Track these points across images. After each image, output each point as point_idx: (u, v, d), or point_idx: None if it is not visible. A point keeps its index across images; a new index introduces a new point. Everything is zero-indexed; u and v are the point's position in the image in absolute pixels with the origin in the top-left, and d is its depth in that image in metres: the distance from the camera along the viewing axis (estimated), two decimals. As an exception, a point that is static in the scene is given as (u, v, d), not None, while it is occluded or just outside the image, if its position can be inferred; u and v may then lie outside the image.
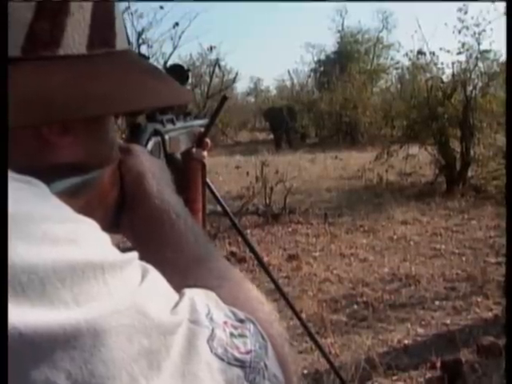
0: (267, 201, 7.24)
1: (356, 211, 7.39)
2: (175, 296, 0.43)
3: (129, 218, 0.60)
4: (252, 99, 34.51)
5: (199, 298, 0.45)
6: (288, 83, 31.51)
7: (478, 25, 9.71)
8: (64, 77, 0.45)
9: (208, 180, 0.96)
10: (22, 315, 0.31)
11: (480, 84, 9.56)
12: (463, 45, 9.65)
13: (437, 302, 4.19)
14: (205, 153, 0.94)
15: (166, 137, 0.81)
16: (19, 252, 0.33)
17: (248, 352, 0.43)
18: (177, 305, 0.42)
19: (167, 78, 0.57)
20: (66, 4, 0.45)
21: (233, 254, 5.40)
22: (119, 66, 0.51)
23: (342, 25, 31.89)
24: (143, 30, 13.14)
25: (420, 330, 3.74)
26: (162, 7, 13.18)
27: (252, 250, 1.24)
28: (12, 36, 0.42)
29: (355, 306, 4.21)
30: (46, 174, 0.43)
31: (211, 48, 15.99)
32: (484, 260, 5.15)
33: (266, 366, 0.44)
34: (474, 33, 9.70)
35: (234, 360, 0.42)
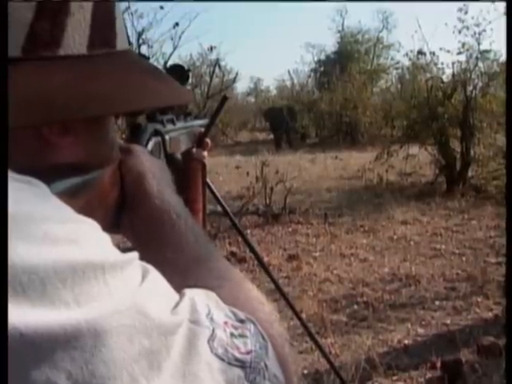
0: (267, 201, 7.24)
1: (356, 211, 7.39)
2: (175, 296, 0.44)
3: (129, 218, 0.60)
4: (252, 99, 34.52)
5: (199, 298, 0.45)
6: (288, 83, 31.54)
7: (478, 25, 9.72)
8: (64, 77, 0.45)
9: (208, 180, 0.96)
10: (23, 315, 0.31)
11: (480, 84, 9.56)
12: (463, 45, 9.66)
13: (437, 302, 4.19)
14: (205, 153, 0.94)
15: (167, 137, 0.81)
16: (20, 252, 0.33)
17: (248, 352, 0.43)
18: (177, 305, 0.42)
19: (167, 78, 0.57)
20: (67, 4, 0.45)
21: (233, 254, 5.40)
22: (120, 66, 0.51)
23: (342, 25, 31.93)
24: (143, 30, 13.15)
25: (420, 330, 3.74)
26: (162, 7, 13.19)
27: (252, 250, 1.24)
28: (12, 36, 0.42)
29: (355, 306, 4.21)
30: (47, 174, 0.43)
31: (211, 48, 16.00)
32: (484, 260, 5.15)
33: (266, 366, 0.44)
34: (474, 33, 9.71)
35: (235, 360, 0.42)
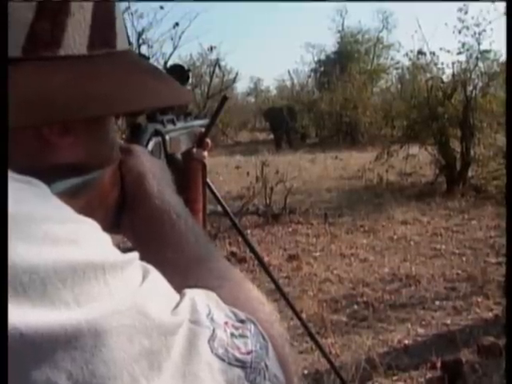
0: (267, 201, 7.24)
1: (356, 211, 7.39)
2: (176, 296, 0.44)
3: (129, 219, 0.60)
4: (252, 99, 34.53)
5: (200, 298, 0.45)
6: (288, 83, 31.54)
7: (478, 25, 9.72)
8: (65, 77, 0.45)
9: (208, 180, 0.96)
10: (23, 315, 0.31)
11: (480, 84, 9.56)
12: (463, 45, 9.67)
13: (437, 302, 4.19)
14: (205, 153, 0.94)
15: (167, 137, 0.81)
16: (20, 252, 0.33)
17: (249, 352, 0.44)
18: (177, 305, 0.42)
19: (168, 78, 0.57)
20: (67, 4, 0.45)
21: (233, 254, 5.40)
22: (120, 66, 0.51)
23: (342, 25, 31.93)
24: (143, 30, 13.14)
25: (420, 330, 3.74)
26: (162, 7, 13.18)
27: (252, 250, 1.24)
28: (13, 36, 0.42)
29: (355, 306, 4.21)
30: (47, 174, 0.43)
31: (211, 48, 15.99)
32: (484, 260, 5.15)
33: (266, 366, 0.44)
34: (474, 33, 9.71)
35: (235, 360, 0.42)
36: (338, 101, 19.17)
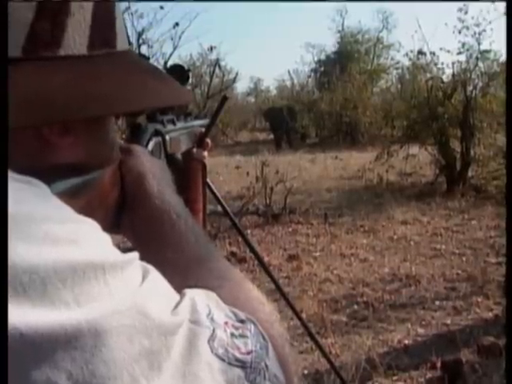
0: (267, 201, 7.24)
1: (356, 211, 7.39)
2: (176, 296, 0.44)
3: (129, 219, 0.60)
4: (252, 99, 34.52)
5: (200, 298, 0.45)
6: (288, 83, 31.55)
7: (478, 25, 9.72)
8: (65, 77, 0.45)
9: (208, 180, 0.96)
10: (23, 315, 0.31)
11: (480, 84, 9.56)
12: (463, 45, 9.67)
13: (437, 302, 4.19)
14: (205, 153, 0.94)
15: (167, 137, 0.81)
16: (20, 252, 0.33)
17: (249, 352, 0.44)
18: (177, 305, 0.42)
19: (168, 78, 0.57)
20: (67, 4, 0.45)
21: (233, 254, 5.40)
22: (120, 66, 0.50)
23: (342, 25, 31.93)
24: (143, 30, 13.15)
25: (420, 330, 3.74)
26: (162, 7, 13.19)
27: (252, 250, 1.24)
28: (13, 36, 0.42)
29: (355, 306, 4.21)
30: (47, 174, 0.43)
31: (211, 48, 16.00)
32: (484, 260, 5.15)
33: (266, 366, 0.44)
34: (475, 33, 9.71)
35: (235, 360, 0.42)
36: (338, 101, 19.17)
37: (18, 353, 0.31)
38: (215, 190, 1.02)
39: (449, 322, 3.84)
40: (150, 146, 0.73)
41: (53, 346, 0.32)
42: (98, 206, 0.56)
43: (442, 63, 9.96)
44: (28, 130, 0.45)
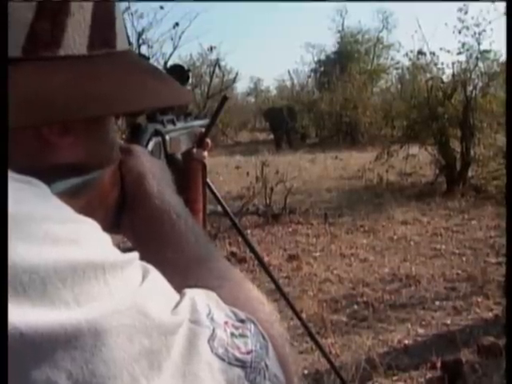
0: (267, 201, 7.24)
1: (356, 211, 7.39)
2: (176, 296, 0.44)
3: (129, 219, 0.60)
4: (252, 99, 34.52)
5: (200, 298, 0.45)
6: (288, 83, 31.56)
7: (478, 25, 9.73)
8: (65, 77, 0.45)
9: (208, 180, 0.96)
10: (23, 315, 0.31)
11: (480, 84, 9.57)
12: (463, 45, 9.67)
13: (437, 302, 4.19)
14: (205, 153, 0.94)
15: (167, 137, 0.81)
16: (20, 252, 0.33)
17: (249, 352, 0.44)
18: (177, 305, 0.42)
19: (167, 78, 0.57)
20: (67, 4, 0.45)
21: (233, 254, 5.40)
22: (120, 66, 0.51)
23: (342, 25, 31.93)
24: (143, 31, 13.15)
25: (420, 330, 3.74)
26: (162, 7, 13.19)
27: (252, 250, 1.24)
28: (13, 36, 0.42)
29: (355, 306, 4.21)
30: (47, 174, 0.43)
31: (211, 48, 16.00)
32: (484, 260, 5.15)
33: (266, 366, 0.44)
34: (474, 33, 9.72)
35: (235, 360, 0.42)
36: (338, 101, 19.18)
37: (17, 352, 0.31)
38: (215, 190, 1.02)
39: (449, 322, 3.84)
40: (150, 146, 0.73)
41: (53, 345, 0.32)
42: (98, 206, 0.56)
43: (442, 63, 9.98)
44: (28, 130, 0.45)
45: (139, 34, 12.91)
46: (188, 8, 29.37)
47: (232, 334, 0.44)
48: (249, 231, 6.42)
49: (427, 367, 3.17)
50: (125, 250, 0.42)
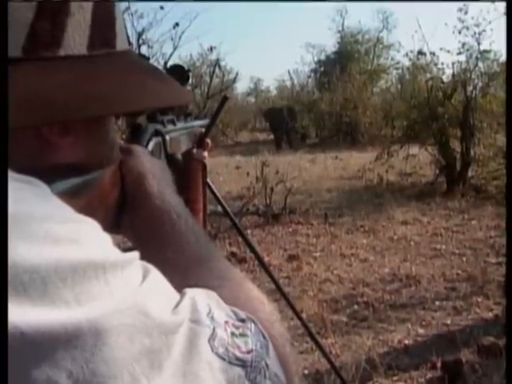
0: (267, 201, 7.24)
1: (356, 211, 7.39)
2: (176, 296, 0.44)
3: (129, 219, 0.60)
4: (252, 99, 34.52)
5: (200, 297, 0.45)
6: (288, 83, 31.56)
7: (478, 25, 9.73)
8: (65, 77, 0.45)
9: (208, 180, 0.96)
10: (24, 315, 0.31)
11: (480, 84, 9.57)
12: (463, 45, 9.67)
13: (437, 303, 4.19)
14: (205, 153, 0.94)
15: (167, 137, 0.81)
16: (21, 252, 0.33)
17: (249, 351, 0.44)
18: (178, 304, 0.42)
19: (168, 78, 0.57)
20: (67, 4, 0.45)
21: (233, 254, 5.40)
22: (120, 66, 0.51)
23: (342, 25, 31.94)
24: (143, 31, 13.16)
25: (420, 331, 3.74)
26: (162, 7, 13.20)
27: (252, 250, 1.24)
28: (13, 36, 0.42)
29: (356, 307, 4.21)
30: (47, 174, 0.43)
31: (211, 48, 16.01)
32: (484, 260, 5.15)
33: (267, 365, 0.44)
34: (474, 33, 9.72)
35: (235, 359, 0.42)
36: (338, 101, 19.18)
37: (18, 352, 0.31)
38: (215, 190, 1.02)
39: (449, 322, 3.84)
40: (150, 146, 0.73)
41: (53, 344, 0.32)
42: (98, 206, 0.56)
43: (442, 63, 9.99)
44: (28, 130, 0.45)
45: (139, 34, 12.92)
46: (188, 8, 29.44)
47: (232, 334, 0.44)
48: (249, 231, 6.42)
49: (427, 367, 3.18)
50: (125, 249, 0.43)
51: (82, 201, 0.52)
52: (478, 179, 8.73)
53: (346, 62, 26.90)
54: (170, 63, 10.99)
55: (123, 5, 10.50)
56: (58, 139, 0.47)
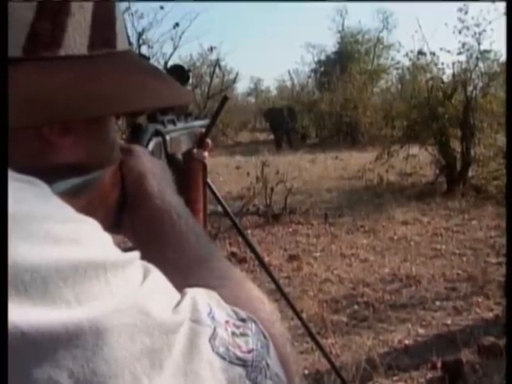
0: (268, 201, 7.24)
1: (356, 211, 7.39)
2: (177, 295, 0.44)
3: (130, 219, 0.60)
4: (252, 99, 34.51)
5: (201, 297, 0.45)
6: (288, 83, 31.56)
7: (478, 25, 9.72)
8: (65, 77, 0.45)
9: (209, 180, 0.96)
10: (25, 314, 0.31)
11: (480, 84, 9.57)
12: (463, 45, 9.67)
13: (437, 303, 4.19)
14: (206, 153, 0.94)
15: (167, 137, 0.81)
16: (21, 251, 0.33)
17: (250, 351, 0.44)
18: (178, 304, 0.42)
19: (168, 78, 0.57)
20: (67, 4, 0.45)
21: (233, 254, 5.40)
22: (120, 66, 0.51)
23: (343, 25, 31.95)
24: (144, 31, 13.18)
25: (421, 331, 3.74)
26: (162, 7, 13.23)
27: (253, 250, 1.24)
28: (13, 36, 0.42)
29: (356, 307, 4.21)
30: (48, 174, 0.43)
31: (211, 48, 16.04)
32: (485, 260, 5.15)
33: (267, 365, 0.44)
34: (475, 33, 9.72)
35: (236, 359, 0.42)
36: (338, 101, 19.18)
37: (19, 351, 0.31)
38: (215, 191, 1.02)
39: (449, 322, 3.84)
40: (151, 146, 0.73)
41: (54, 344, 0.32)
42: (98, 205, 0.56)
43: (442, 63, 9.98)
44: (29, 130, 0.45)
45: (139, 34, 12.94)
46: (188, 8, 29.48)
47: (233, 333, 0.44)
48: (249, 231, 6.42)
49: (428, 367, 3.18)
50: (125, 249, 0.43)
51: (82, 201, 0.52)
52: (478, 179, 8.73)
53: (346, 62, 26.89)
54: (170, 63, 10.99)
55: (123, 5, 10.50)
56: (59, 139, 0.47)
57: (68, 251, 0.36)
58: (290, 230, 6.71)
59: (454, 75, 9.63)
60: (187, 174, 0.90)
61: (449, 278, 4.73)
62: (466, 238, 6.05)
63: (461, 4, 9.77)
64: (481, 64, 9.74)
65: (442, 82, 9.70)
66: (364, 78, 21.60)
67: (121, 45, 0.51)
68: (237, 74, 19.93)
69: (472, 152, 8.87)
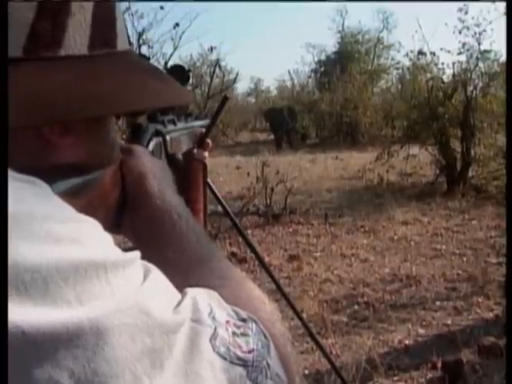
0: (268, 201, 7.24)
1: (357, 211, 7.39)
2: (177, 295, 0.44)
3: (130, 219, 0.60)
4: (252, 100, 34.51)
5: (201, 297, 0.45)
6: (288, 83, 31.56)
7: (478, 25, 9.73)
8: (65, 77, 0.45)
9: (209, 180, 0.96)
10: (25, 314, 0.31)
11: (480, 84, 9.57)
12: (464, 45, 9.67)
13: (438, 303, 4.19)
14: (206, 153, 0.94)
15: (168, 137, 0.81)
16: (22, 251, 0.33)
17: (250, 351, 0.44)
18: (179, 304, 0.42)
19: (168, 78, 0.57)
20: (68, 4, 0.45)
21: (234, 254, 5.40)
22: (120, 66, 0.51)
23: (343, 25, 31.94)
24: (144, 31, 13.18)
25: (421, 331, 3.74)
26: (162, 7, 13.24)
27: (253, 250, 1.24)
28: (13, 36, 0.42)
29: (356, 307, 4.21)
30: (48, 174, 0.43)
31: (211, 48, 16.04)
32: (485, 260, 5.15)
33: (268, 364, 0.44)
34: (475, 33, 9.72)
35: (237, 359, 0.42)
36: (338, 101, 19.18)
37: (19, 351, 0.31)
38: (216, 191, 1.02)
39: (449, 322, 3.84)
40: (151, 146, 0.73)
41: (55, 344, 0.32)
42: (98, 205, 0.56)
43: (443, 63, 9.99)
44: (29, 130, 0.45)
45: (139, 35, 12.94)
46: (188, 8, 29.50)
47: (234, 333, 0.44)
48: (249, 231, 6.42)
49: (428, 367, 3.18)
50: (126, 249, 0.43)
51: (82, 201, 0.52)
52: (478, 179, 8.73)
53: (346, 62, 26.89)
54: (170, 63, 10.98)
55: (124, 5, 10.50)
56: (59, 139, 0.47)
57: (69, 251, 0.36)
58: (290, 230, 6.71)
59: (454, 75, 9.63)
60: (187, 174, 0.90)
61: (449, 278, 4.73)
62: (466, 238, 6.05)
63: (461, 4, 9.79)
64: (481, 64, 9.75)
65: (442, 82, 9.70)
66: (364, 78, 21.59)
67: (121, 45, 0.51)
68: (237, 74, 19.96)
69: (472, 152, 8.88)
